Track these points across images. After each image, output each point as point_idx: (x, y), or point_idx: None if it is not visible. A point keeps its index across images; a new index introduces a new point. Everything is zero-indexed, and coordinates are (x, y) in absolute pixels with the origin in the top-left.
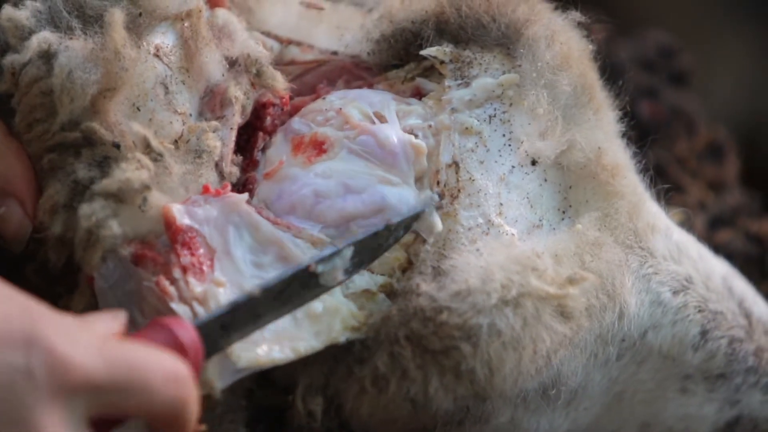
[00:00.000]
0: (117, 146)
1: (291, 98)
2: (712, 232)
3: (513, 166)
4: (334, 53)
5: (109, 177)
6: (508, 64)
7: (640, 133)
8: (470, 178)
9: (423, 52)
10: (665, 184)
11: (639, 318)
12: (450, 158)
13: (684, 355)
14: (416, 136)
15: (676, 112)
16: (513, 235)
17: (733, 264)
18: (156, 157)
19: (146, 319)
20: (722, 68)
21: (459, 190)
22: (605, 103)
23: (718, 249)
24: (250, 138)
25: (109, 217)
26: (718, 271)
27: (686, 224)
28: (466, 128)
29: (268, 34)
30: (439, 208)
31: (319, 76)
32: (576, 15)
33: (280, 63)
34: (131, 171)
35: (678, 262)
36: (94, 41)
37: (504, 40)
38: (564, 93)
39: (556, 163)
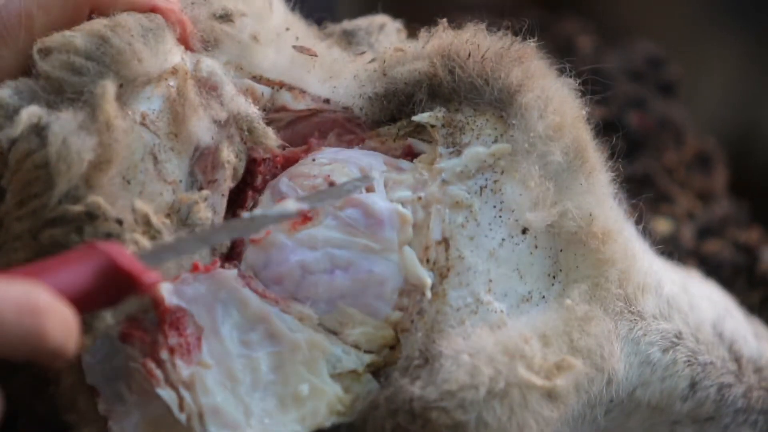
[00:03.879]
0: (119, 222)
1: (283, 148)
2: (701, 242)
3: (503, 239)
4: (327, 101)
5: None
6: (500, 128)
7: (629, 144)
8: (459, 256)
9: (415, 119)
10: (654, 194)
11: (627, 380)
12: (440, 235)
13: (673, 406)
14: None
15: (664, 122)
16: (502, 311)
17: (721, 274)
18: (155, 234)
19: (134, 394)
20: (710, 78)
21: (448, 269)
22: (598, 165)
23: (706, 259)
24: (239, 193)
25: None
26: (709, 318)
27: (674, 234)
28: (457, 202)
29: (259, 79)
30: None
31: (311, 127)
32: (570, 82)
33: (271, 109)
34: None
35: (668, 319)
36: (83, 113)
37: (497, 104)
38: (556, 162)
39: (547, 228)
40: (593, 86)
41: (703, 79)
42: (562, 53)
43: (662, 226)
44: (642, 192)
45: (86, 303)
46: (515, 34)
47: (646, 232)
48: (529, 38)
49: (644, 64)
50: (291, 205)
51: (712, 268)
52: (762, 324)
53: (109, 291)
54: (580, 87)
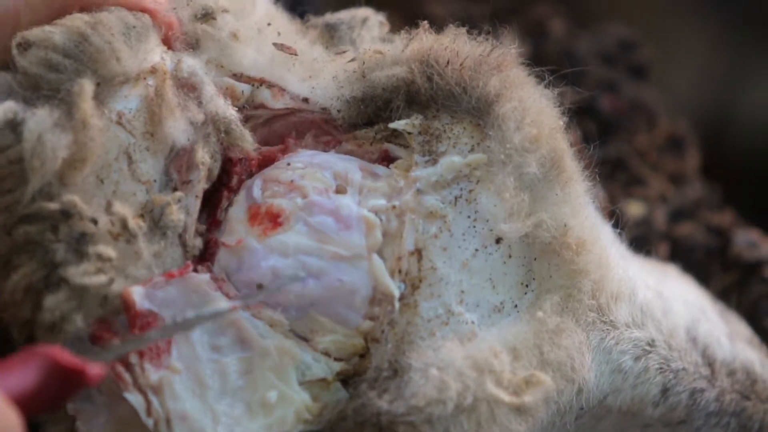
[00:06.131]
0: (94, 222)
1: (259, 147)
2: (673, 224)
3: (477, 249)
4: (305, 100)
5: (78, 266)
6: (477, 136)
7: (601, 127)
8: (432, 267)
9: (392, 125)
10: (626, 177)
11: (598, 388)
12: (413, 245)
13: (644, 411)
14: (381, 219)
15: (636, 105)
16: (473, 322)
17: (694, 257)
18: (129, 238)
19: (102, 395)
20: (682, 61)
21: (420, 280)
22: (574, 174)
23: (679, 242)
24: (214, 191)
25: (73, 310)
26: (683, 323)
27: (647, 217)
28: (431, 212)
29: (240, 77)
30: (401, 299)
31: (289, 126)
32: (549, 92)
33: (250, 106)
34: (93, 274)
35: (641, 326)
36: (59, 111)
37: (474, 112)
38: (531, 173)
39: (521, 237)
40: (565, 70)
41: (675, 62)
42: (534, 37)
43: (635, 209)
44: (614, 175)
45: (33, 405)
46: (490, 18)
47: (620, 221)
48: (505, 26)
49: (616, 47)
50: (152, 334)
51: (684, 251)
52: (735, 313)
53: (56, 390)
54: (552, 70)
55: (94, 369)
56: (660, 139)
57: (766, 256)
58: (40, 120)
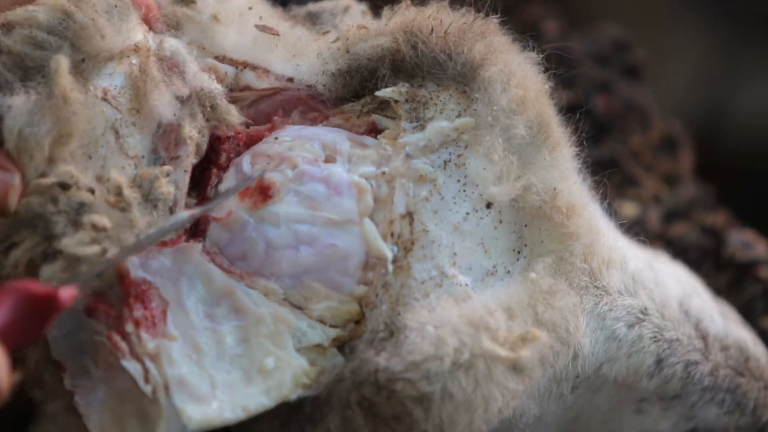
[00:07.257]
0: (92, 191)
1: (247, 126)
2: (667, 225)
3: (467, 213)
4: (290, 80)
5: (74, 237)
6: (464, 102)
7: (595, 127)
8: (424, 229)
9: (378, 94)
10: (620, 177)
11: (594, 355)
12: (404, 209)
13: (639, 382)
14: (371, 185)
15: (630, 106)
16: (466, 285)
17: (688, 257)
18: (125, 206)
19: (100, 368)
20: (676, 62)
21: (413, 243)
22: (562, 140)
23: (672, 242)
24: (203, 170)
25: (69, 281)
26: (675, 295)
27: (641, 218)
28: (421, 176)
29: (222, 59)
30: (394, 261)
31: (275, 105)
32: (533, 56)
33: (235, 89)
34: (87, 244)
35: (634, 294)
36: (37, 92)
37: (460, 79)
38: (519, 136)
39: (511, 202)
40: (559, 70)
41: (669, 63)
42: (527, 37)
43: (628, 209)
44: (608, 176)
45: (12, 338)
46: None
47: (612, 214)
48: (493, 16)
49: (610, 47)
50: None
51: (678, 252)
52: (729, 306)
53: (32, 320)
54: (546, 70)
55: (66, 292)
56: (654, 139)
57: (760, 256)
58: (15, 113)
